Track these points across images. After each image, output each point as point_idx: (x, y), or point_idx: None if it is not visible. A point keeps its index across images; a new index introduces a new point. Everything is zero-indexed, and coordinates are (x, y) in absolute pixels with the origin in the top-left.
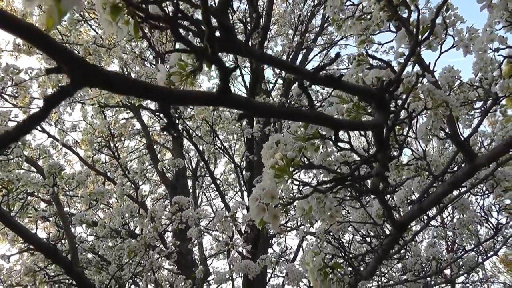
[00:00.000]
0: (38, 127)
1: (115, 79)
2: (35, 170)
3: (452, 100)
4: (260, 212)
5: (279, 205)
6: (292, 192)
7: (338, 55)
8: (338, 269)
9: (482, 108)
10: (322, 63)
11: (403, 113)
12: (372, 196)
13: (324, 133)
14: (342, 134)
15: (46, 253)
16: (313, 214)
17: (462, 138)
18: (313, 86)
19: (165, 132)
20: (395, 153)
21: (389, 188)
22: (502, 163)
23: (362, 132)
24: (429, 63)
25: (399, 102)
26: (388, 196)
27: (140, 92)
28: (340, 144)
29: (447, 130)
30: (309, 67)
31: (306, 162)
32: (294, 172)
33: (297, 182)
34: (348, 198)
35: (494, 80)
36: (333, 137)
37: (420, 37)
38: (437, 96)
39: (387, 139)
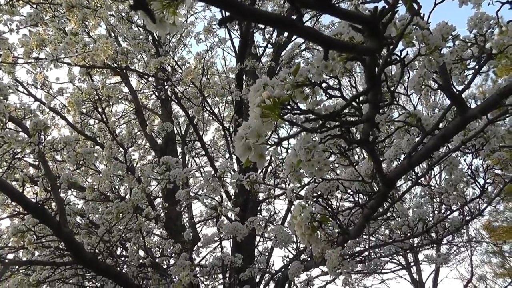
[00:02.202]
0: (24, 90)
1: None
2: (20, 129)
3: (446, 51)
4: (246, 150)
5: (265, 144)
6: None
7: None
8: (326, 223)
9: (476, 67)
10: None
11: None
12: (361, 154)
13: (313, 80)
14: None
15: (33, 212)
16: (302, 167)
17: (455, 91)
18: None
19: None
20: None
21: (378, 138)
22: (494, 118)
23: (353, 83)
24: (423, 14)
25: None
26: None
27: None
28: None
29: (440, 83)
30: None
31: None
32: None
33: (284, 125)
34: (336, 152)
35: (491, 26)
36: (323, 84)
37: None
38: (431, 42)
39: (379, 76)
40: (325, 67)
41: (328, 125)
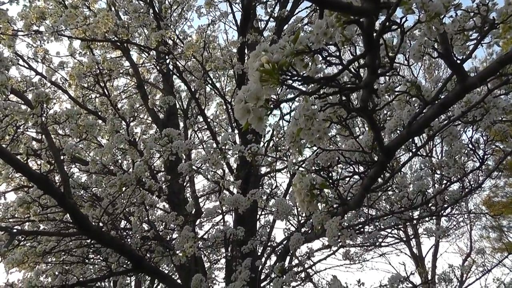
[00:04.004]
0: (25, 64)
1: None
2: (22, 102)
3: (448, 21)
4: (245, 113)
5: (264, 107)
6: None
7: None
8: (325, 190)
9: (478, 38)
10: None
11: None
12: (363, 128)
13: (313, 48)
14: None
15: (38, 182)
16: (302, 136)
17: (456, 59)
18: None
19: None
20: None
21: (378, 106)
22: (494, 88)
23: (353, 52)
24: None
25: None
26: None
27: None
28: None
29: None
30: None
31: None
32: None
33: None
34: (336, 121)
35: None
36: (322, 51)
37: None
38: (431, 8)
39: (377, 40)
40: (324, 34)
41: (327, 92)
